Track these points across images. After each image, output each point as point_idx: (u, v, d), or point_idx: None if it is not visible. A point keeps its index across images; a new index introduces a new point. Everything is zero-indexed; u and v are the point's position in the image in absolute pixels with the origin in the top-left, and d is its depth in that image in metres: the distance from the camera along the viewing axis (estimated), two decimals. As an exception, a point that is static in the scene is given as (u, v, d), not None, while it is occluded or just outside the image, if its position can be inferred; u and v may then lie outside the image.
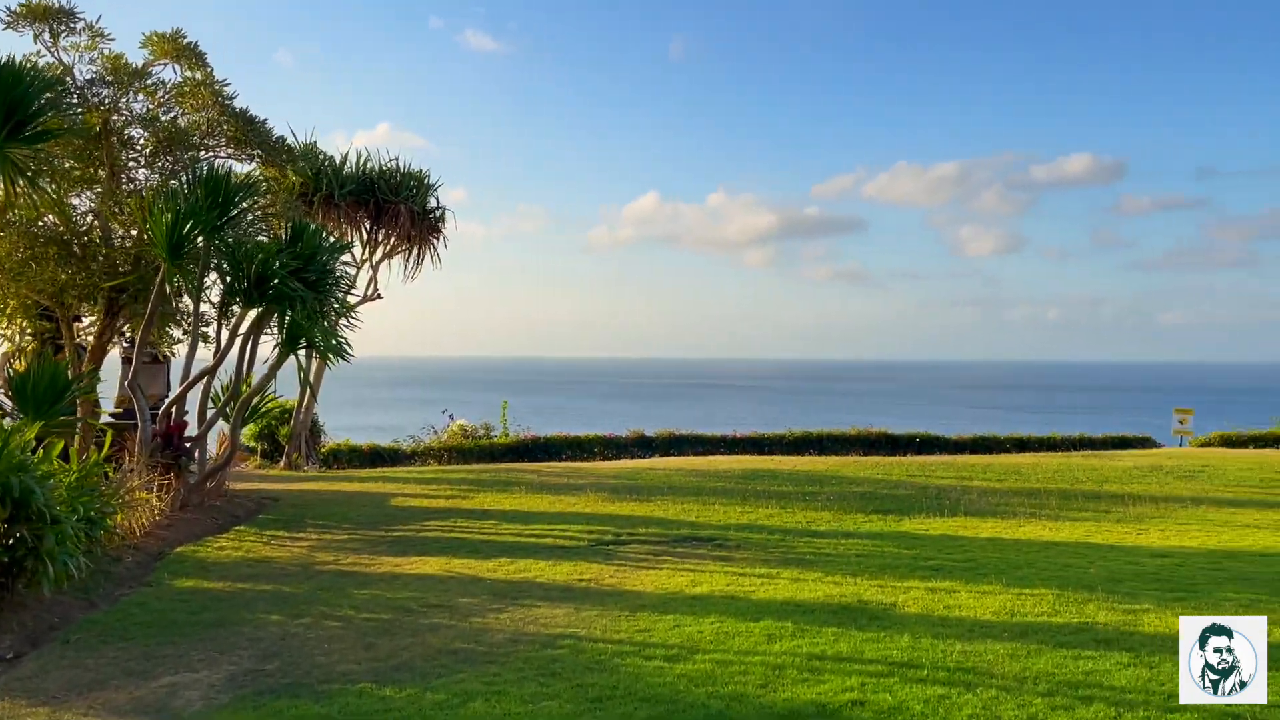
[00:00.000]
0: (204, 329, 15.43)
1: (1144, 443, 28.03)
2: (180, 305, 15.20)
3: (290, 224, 14.44)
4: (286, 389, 22.67)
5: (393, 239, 24.35)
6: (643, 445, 27.17)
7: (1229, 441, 27.62)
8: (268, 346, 14.28)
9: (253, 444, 23.69)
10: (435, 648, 7.47)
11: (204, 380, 14.39)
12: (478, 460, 23.32)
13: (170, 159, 14.34)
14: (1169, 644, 7.33)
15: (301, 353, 14.44)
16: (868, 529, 12.98)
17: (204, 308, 15.15)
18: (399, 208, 23.68)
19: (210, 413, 14.79)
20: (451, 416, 27.25)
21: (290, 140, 18.31)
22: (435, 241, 25.22)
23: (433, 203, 24.61)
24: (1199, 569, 10.15)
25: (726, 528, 12.99)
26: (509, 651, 7.36)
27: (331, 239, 16.98)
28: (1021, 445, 27.65)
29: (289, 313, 13.52)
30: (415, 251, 25.15)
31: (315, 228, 14.89)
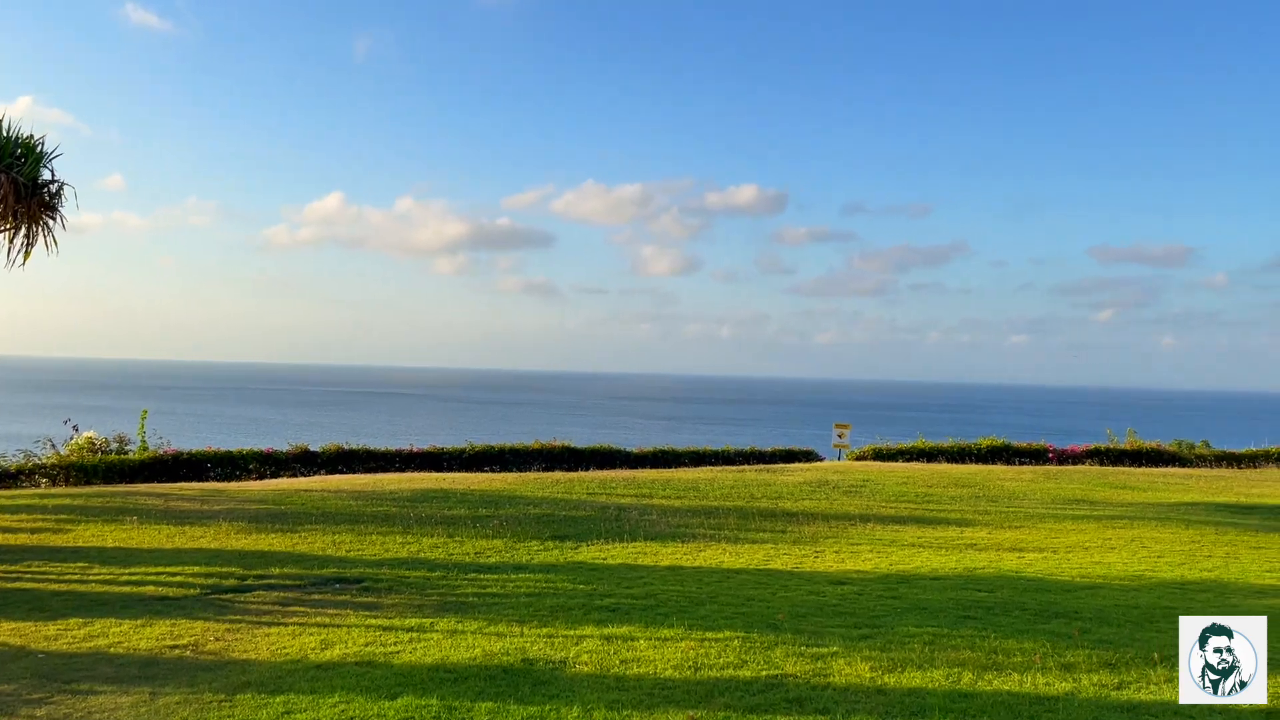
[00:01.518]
0: None
1: (808, 455, 29.16)
2: None
3: None
4: None
5: (-10, 214, 20.14)
6: (306, 461, 24.51)
7: (881, 454, 29.39)
8: None
9: None
10: (-88, 776, 5.19)
11: None
12: (105, 480, 19.70)
13: None
14: (863, 700, 6.54)
15: None
16: (542, 559, 11.68)
17: None
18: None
19: None
20: (76, 428, 23.03)
21: None
22: (51, 221, 21.23)
23: (46, 175, 20.65)
24: (878, 598, 9.73)
25: (381, 564, 11.18)
26: (29, 775, 5.23)
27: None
28: (699, 459, 27.85)
29: None
30: (24, 231, 21.00)
31: None
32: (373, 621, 8.53)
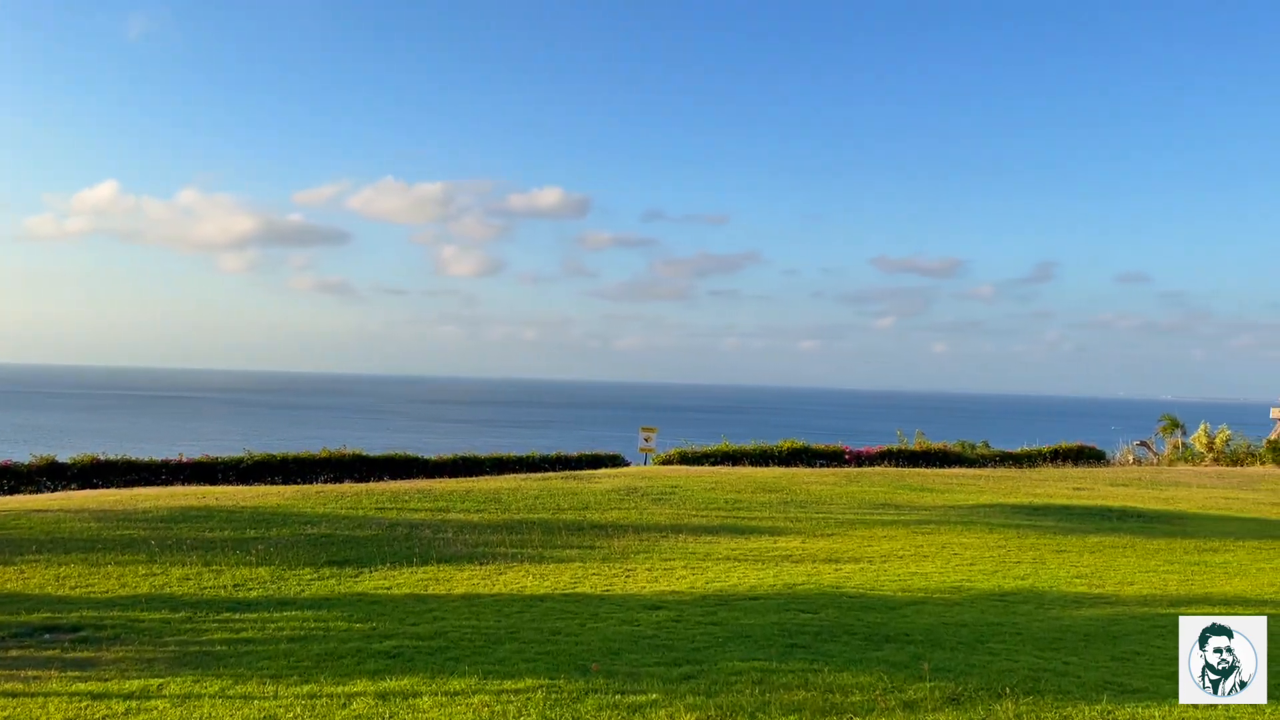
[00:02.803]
0: None
1: (615, 460, 28.37)
2: None
3: None
4: None
5: None
6: (54, 474, 21.62)
7: (687, 458, 28.98)
8: None
9: None
10: None
11: None
12: None
13: None
14: (691, 763, 5.50)
15: None
16: (315, 591, 10.07)
17: None
18: None
19: None
20: None
21: None
22: None
23: None
24: (697, 625, 8.77)
25: (111, 604, 9.28)
26: None
27: None
28: (502, 466, 26.50)
29: None
30: None
31: None
32: (82, 686, 6.78)
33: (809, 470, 26.52)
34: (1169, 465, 37.66)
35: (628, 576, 11.11)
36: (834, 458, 30.68)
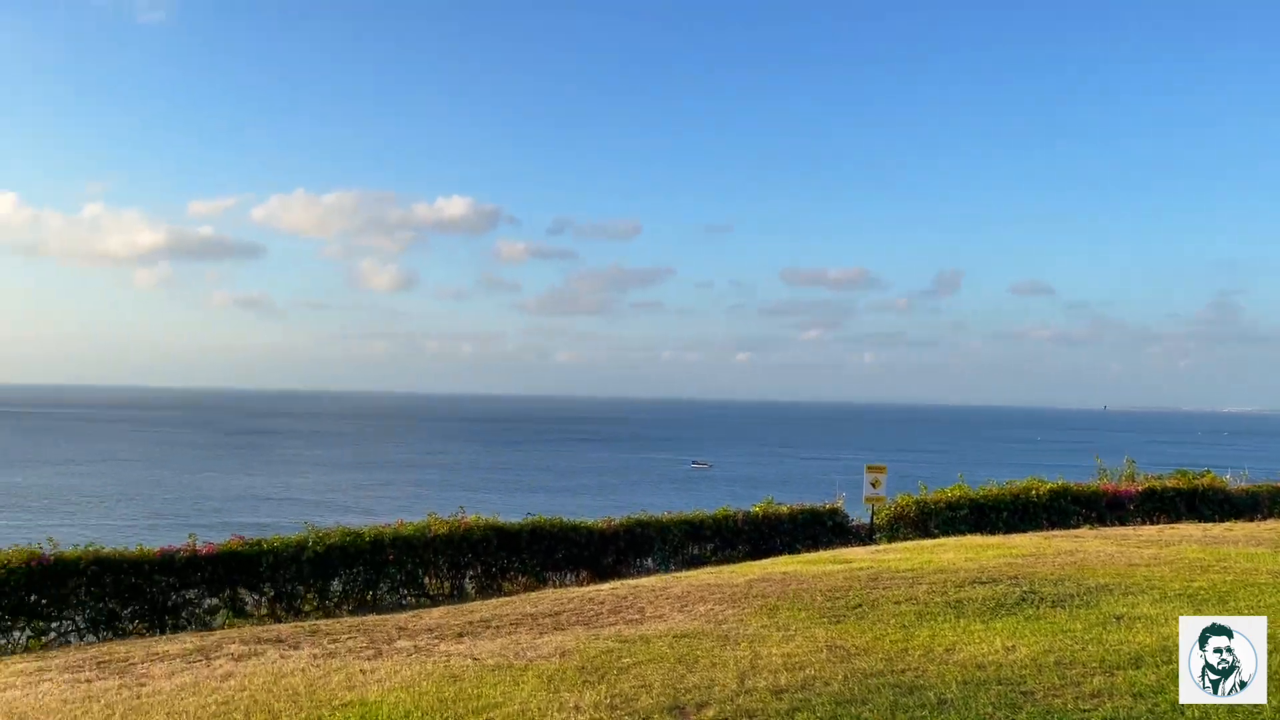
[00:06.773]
0: None
1: (834, 519, 18.61)
2: None
3: None
4: None
5: None
6: None
7: (928, 515, 18.93)
8: None
9: None
10: None
11: None
12: None
13: None
14: None
15: None
16: None
17: None
18: None
19: None
20: None
21: None
22: None
23: None
24: None
25: None
26: None
27: None
28: (697, 533, 16.17)
29: None
30: None
31: None
32: None
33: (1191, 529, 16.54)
34: None
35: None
36: (1091, 503, 20.78)
